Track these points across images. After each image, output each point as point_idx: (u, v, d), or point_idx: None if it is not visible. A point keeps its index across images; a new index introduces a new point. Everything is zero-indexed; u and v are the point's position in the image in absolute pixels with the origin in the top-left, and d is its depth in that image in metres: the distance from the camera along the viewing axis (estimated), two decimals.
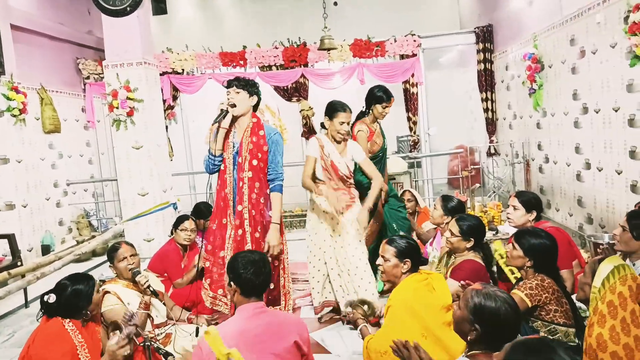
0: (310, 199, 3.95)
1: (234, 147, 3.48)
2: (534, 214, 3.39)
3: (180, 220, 4.32)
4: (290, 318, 2.44)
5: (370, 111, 4.32)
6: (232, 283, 2.34)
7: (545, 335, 2.52)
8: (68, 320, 2.51)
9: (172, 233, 4.40)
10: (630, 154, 4.09)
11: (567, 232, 3.56)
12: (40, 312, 2.58)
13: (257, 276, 2.30)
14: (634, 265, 2.73)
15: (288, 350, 2.17)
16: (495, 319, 1.79)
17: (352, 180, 3.86)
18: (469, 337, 1.86)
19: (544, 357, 1.33)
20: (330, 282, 3.84)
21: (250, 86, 3.47)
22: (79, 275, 2.70)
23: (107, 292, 3.14)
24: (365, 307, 2.96)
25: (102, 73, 6.07)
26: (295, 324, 2.32)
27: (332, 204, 3.50)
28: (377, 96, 4.26)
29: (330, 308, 3.93)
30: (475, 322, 1.81)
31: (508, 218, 3.48)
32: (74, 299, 2.53)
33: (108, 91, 5.80)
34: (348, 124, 3.74)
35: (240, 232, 3.46)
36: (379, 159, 4.38)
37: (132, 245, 3.36)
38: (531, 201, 3.42)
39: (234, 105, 3.42)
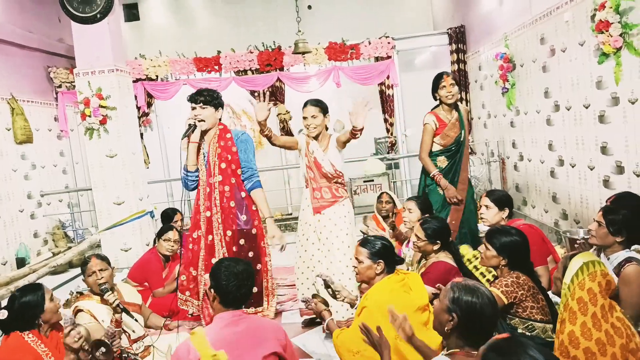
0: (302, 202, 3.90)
1: (204, 157, 3.46)
2: (507, 211, 3.45)
3: (164, 230, 4.28)
4: (268, 324, 2.42)
5: (440, 101, 4.23)
6: (212, 290, 2.31)
7: (524, 331, 2.56)
8: (27, 332, 2.53)
9: (155, 242, 4.35)
10: (601, 150, 4.17)
11: (540, 229, 3.61)
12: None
13: (238, 289, 2.27)
14: (608, 259, 2.78)
15: (267, 357, 2.16)
16: (473, 310, 1.83)
17: (340, 179, 3.79)
18: (446, 328, 1.88)
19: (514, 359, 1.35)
20: (316, 287, 3.81)
21: (215, 99, 3.43)
22: (28, 286, 2.76)
23: (80, 310, 3.08)
24: (329, 290, 2.95)
25: (74, 81, 5.97)
26: (273, 330, 2.30)
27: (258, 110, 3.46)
28: (433, 83, 4.23)
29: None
30: (453, 312, 1.85)
31: (481, 218, 3.53)
32: (24, 311, 2.57)
33: (80, 99, 5.71)
34: (314, 117, 3.68)
35: (210, 237, 3.42)
36: (451, 153, 4.21)
37: (104, 259, 3.27)
38: (502, 199, 3.48)
39: (202, 121, 3.39)
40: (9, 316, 2.54)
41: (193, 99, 3.41)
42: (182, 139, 3.41)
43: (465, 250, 3.39)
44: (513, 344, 1.39)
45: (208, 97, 3.40)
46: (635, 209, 2.87)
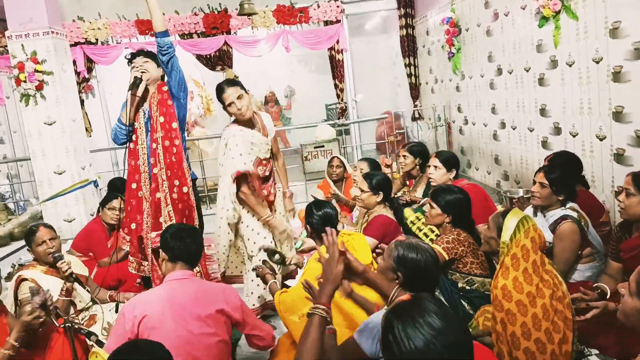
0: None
1: (145, 114, 3.37)
2: (454, 172, 3.56)
3: (109, 198, 4.17)
4: (218, 286, 2.43)
5: None
6: (161, 250, 2.36)
7: (464, 285, 2.66)
8: None
9: (99, 211, 4.24)
10: (540, 112, 4.31)
11: (482, 188, 3.73)
12: None
13: (182, 240, 2.34)
14: (544, 216, 2.91)
15: (212, 316, 2.18)
16: (417, 267, 1.90)
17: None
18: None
19: None
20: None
21: (156, 57, 3.37)
22: None
23: (25, 279, 2.98)
24: (276, 257, 3.01)
25: (7, 45, 5.63)
26: (222, 292, 2.32)
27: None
28: None
29: None
30: (398, 270, 1.92)
31: (430, 177, 3.62)
32: None
33: (13, 64, 5.40)
34: (240, 98, 3.13)
35: (158, 195, 3.35)
36: None
37: (51, 228, 3.20)
38: (450, 160, 3.59)
39: (145, 72, 3.30)
40: None
41: (134, 55, 3.37)
42: (128, 92, 3.29)
43: (409, 212, 3.48)
44: (416, 306, 1.32)
45: (149, 53, 3.37)
46: (567, 165, 3.02)
